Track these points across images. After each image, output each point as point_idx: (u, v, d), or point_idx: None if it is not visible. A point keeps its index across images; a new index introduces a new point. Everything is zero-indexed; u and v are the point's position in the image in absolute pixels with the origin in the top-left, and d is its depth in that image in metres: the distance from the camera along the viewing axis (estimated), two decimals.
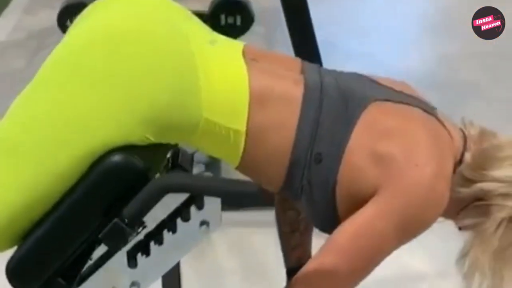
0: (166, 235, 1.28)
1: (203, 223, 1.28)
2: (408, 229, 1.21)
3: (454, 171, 1.27)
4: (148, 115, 1.15)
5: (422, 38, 3.89)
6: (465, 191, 1.26)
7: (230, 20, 3.45)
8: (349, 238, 1.21)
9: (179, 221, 1.27)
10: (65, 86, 1.15)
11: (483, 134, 1.30)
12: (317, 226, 1.34)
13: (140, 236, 1.27)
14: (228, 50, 1.28)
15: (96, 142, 1.14)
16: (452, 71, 3.50)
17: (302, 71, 1.30)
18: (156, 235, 1.28)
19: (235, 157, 1.24)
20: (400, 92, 1.32)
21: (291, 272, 1.59)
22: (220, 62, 1.23)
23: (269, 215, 1.64)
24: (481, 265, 1.24)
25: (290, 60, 1.39)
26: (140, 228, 1.25)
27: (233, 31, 3.12)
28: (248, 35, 2.91)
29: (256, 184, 1.25)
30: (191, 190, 1.20)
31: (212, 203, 1.26)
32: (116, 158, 1.15)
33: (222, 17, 3.44)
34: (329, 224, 1.26)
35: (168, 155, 1.34)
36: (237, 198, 1.25)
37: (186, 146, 1.31)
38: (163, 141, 1.21)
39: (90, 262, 1.27)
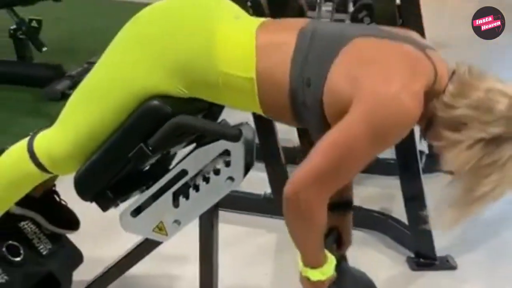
0: (202, 184, 1.66)
1: (229, 178, 1.64)
2: (377, 133, 1.43)
3: (436, 96, 1.48)
4: (174, 68, 1.55)
5: None
6: (446, 116, 1.47)
7: None
8: (330, 140, 1.46)
9: (211, 174, 1.65)
10: (120, 51, 1.62)
11: (471, 71, 1.49)
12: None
13: (182, 182, 1.66)
14: (247, 21, 1.65)
15: (140, 89, 1.56)
16: None
17: (304, 25, 1.59)
18: (194, 183, 1.67)
19: (255, 103, 1.58)
20: (390, 32, 1.57)
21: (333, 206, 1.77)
22: (236, 29, 1.60)
23: None
24: (456, 175, 1.46)
25: (299, 19, 1.68)
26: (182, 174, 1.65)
27: None
28: None
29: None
30: (195, 129, 1.59)
31: (237, 163, 1.63)
32: (153, 102, 1.56)
33: None
34: None
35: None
36: (222, 136, 1.59)
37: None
38: (196, 95, 1.59)
39: (144, 199, 1.69)
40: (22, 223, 2.00)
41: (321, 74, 1.50)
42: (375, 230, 2.73)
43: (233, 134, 1.55)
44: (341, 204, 1.80)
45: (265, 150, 2.84)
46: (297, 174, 1.48)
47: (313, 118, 1.55)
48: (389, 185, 2.90)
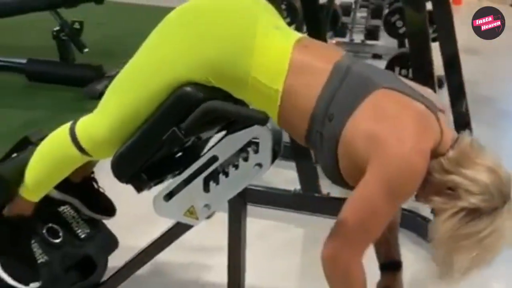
0: (231, 170, 1.74)
1: (257, 164, 1.72)
2: (393, 191, 1.55)
3: (436, 156, 1.58)
4: (208, 62, 1.64)
5: None
6: (439, 177, 1.57)
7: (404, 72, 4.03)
8: (353, 206, 1.60)
9: (240, 160, 1.73)
10: (154, 43, 1.72)
11: (472, 144, 1.60)
12: (324, 173, 1.72)
13: (213, 168, 1.74)
14: (286, 34, 1.73)
15: (172, 79, 1.65)
16: None
17: (340, 58, 1.70)
18: (224, 169, 1.75)
19: (274, 112, 1.67)
20: (412, 89, 1.67)
21: (382, 267, 1.91)
22: (274, 40, 1.68)
23: None
24: (438, 245, 1.57)
25: (335, 49, 1.81)
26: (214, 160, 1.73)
27: None
28: None
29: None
30: (224, 113, 1.66)
31: (265, 150, 1.70)
32: (186, 88, 1.65)
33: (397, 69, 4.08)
34: (332, 173, 1.67)
35: None
36: (250, 120, 1.66)
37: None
38: (222, 87, 1.68)
39: (176, 184, 1.77)
40: (62, 207, 2.10)
41: (344, 115, 1.60)
42: (403, 228, 2.77)
43: (260, 117, 1.63)
44: (389, 265, 1.89)
45: (295, 149, 2.93)
46: (329, 242, 1.62)
47: (325, 148, 1.65)
48: None
